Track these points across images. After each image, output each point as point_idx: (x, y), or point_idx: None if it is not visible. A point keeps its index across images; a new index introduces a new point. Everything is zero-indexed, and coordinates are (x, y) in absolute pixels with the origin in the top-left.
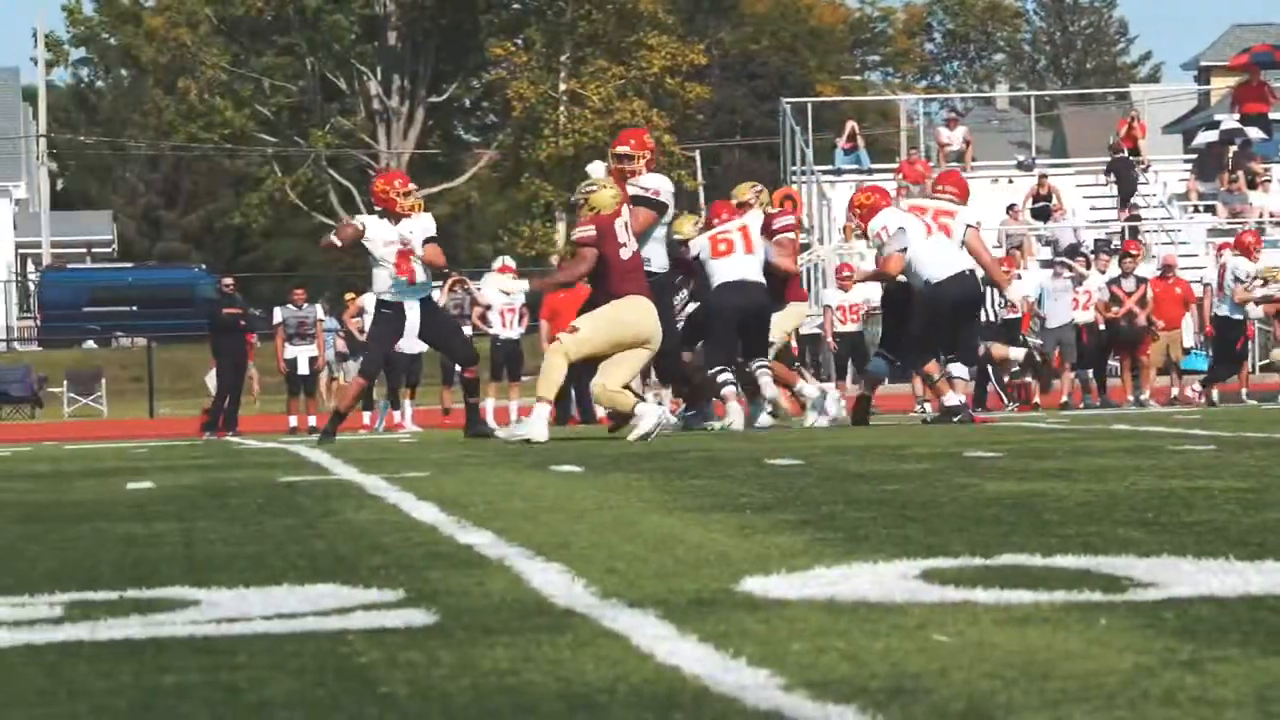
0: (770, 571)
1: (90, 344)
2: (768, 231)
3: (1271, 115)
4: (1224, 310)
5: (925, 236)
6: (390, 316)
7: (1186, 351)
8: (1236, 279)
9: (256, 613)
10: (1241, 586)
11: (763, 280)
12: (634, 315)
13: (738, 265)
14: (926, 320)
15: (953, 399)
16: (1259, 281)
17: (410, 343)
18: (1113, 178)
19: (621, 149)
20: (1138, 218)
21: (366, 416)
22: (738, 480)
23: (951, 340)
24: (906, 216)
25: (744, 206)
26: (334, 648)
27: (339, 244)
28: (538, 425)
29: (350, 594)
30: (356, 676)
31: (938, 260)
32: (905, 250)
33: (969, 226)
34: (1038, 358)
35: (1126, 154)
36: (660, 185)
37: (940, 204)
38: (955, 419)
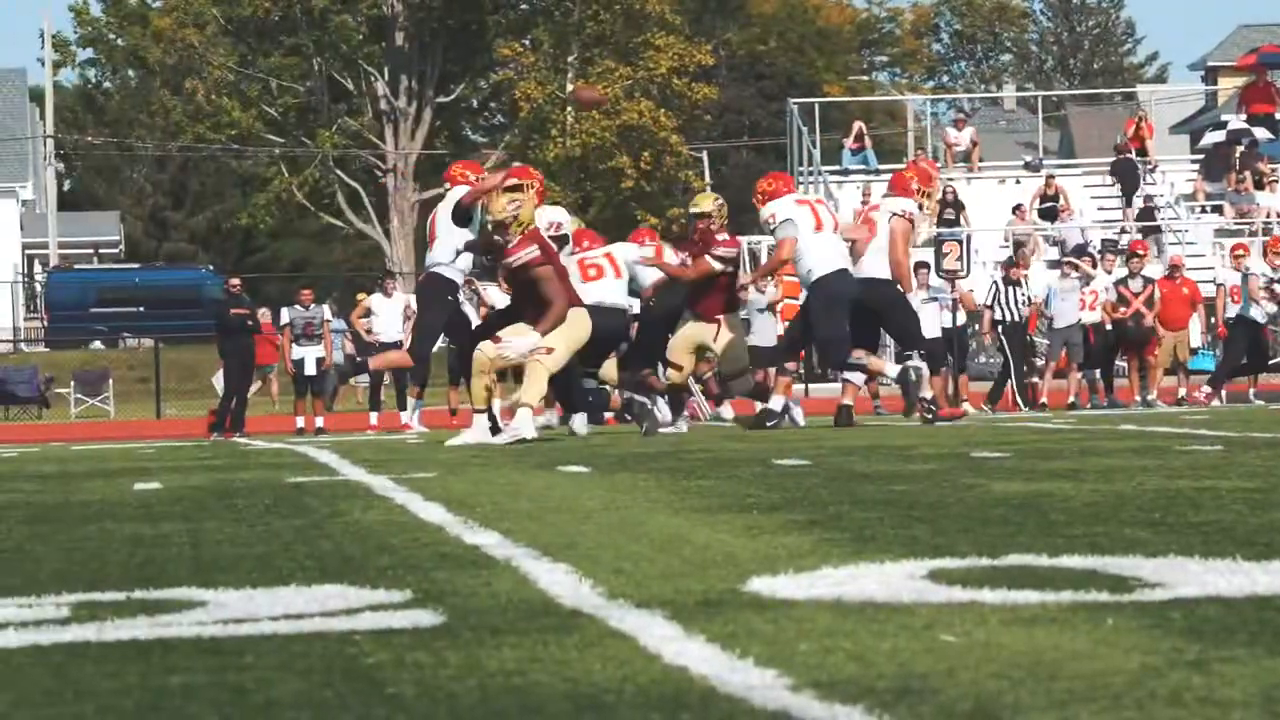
0: (777, 572)
1: (97, 345)
2: (699, 250)
3: (1278, 115)
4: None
5: (813, 231)
6: (454, 303)
7: (1194, 352)
8: (1247, 275)
9: (264, 613)
10: (1248, 587)
11: (623, 305)
12: (583, 329)
13: (603, 290)
14: (827, 317)
15: (892, 370)
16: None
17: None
18: (1117, 179)
19: (511, 181)
20: (1153, 215)
21: (373, 417)
22: (745, 481)
23: (868, 332)
24: (797, 209)
25: (703, 217)
26: (341, 648)
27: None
28: (525, 425)
29: (357, 595)
30: (364, 677)
31: (820, 256)
32: (795, 238)
33: (894, 215)
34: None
35: (1131, 155)
36: (562, 218)
37: (877, 200)
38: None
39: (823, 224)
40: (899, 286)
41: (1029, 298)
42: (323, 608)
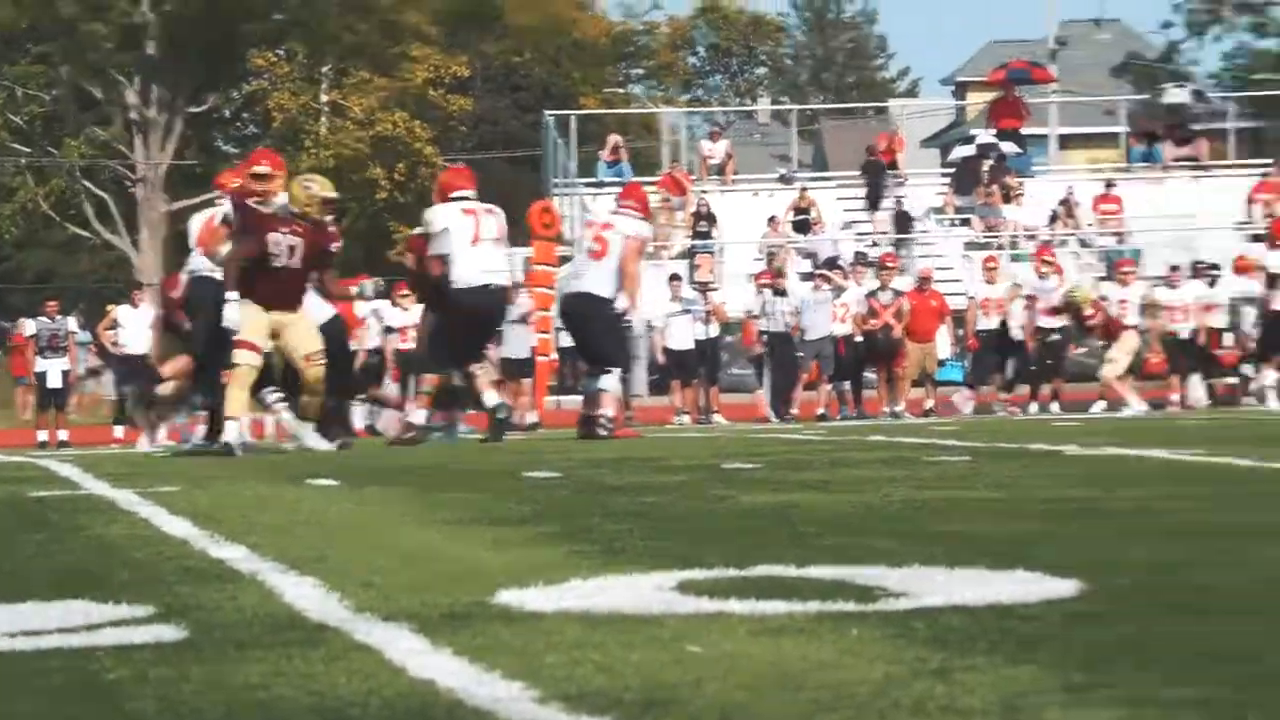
0: (526, 584)
1: None
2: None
3: (1025, 130)
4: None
5: (469, 243)
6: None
7: (941, 363)
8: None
9: (1, 630)
10: (991, 596)
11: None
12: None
13: None
14: (451, 327)
15: (419, 416)
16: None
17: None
18: (865, 180)
19: (260, 169)
20: (907, 227)
21: (118, 430)
22: (495, 493)
23: (472, 351)
24: (460, 219)
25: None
26: (82, 665)
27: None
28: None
29: (99, 610)
30: (104, 694)
31: (467, 269)
32: (445, 253)
33: (627, 238)
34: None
35: (880, 161)
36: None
37: (609, 218)
38: (433, 436)
39: (480, 236)
40: (615, 305)
41: (796, 308)
42: (63, 624)
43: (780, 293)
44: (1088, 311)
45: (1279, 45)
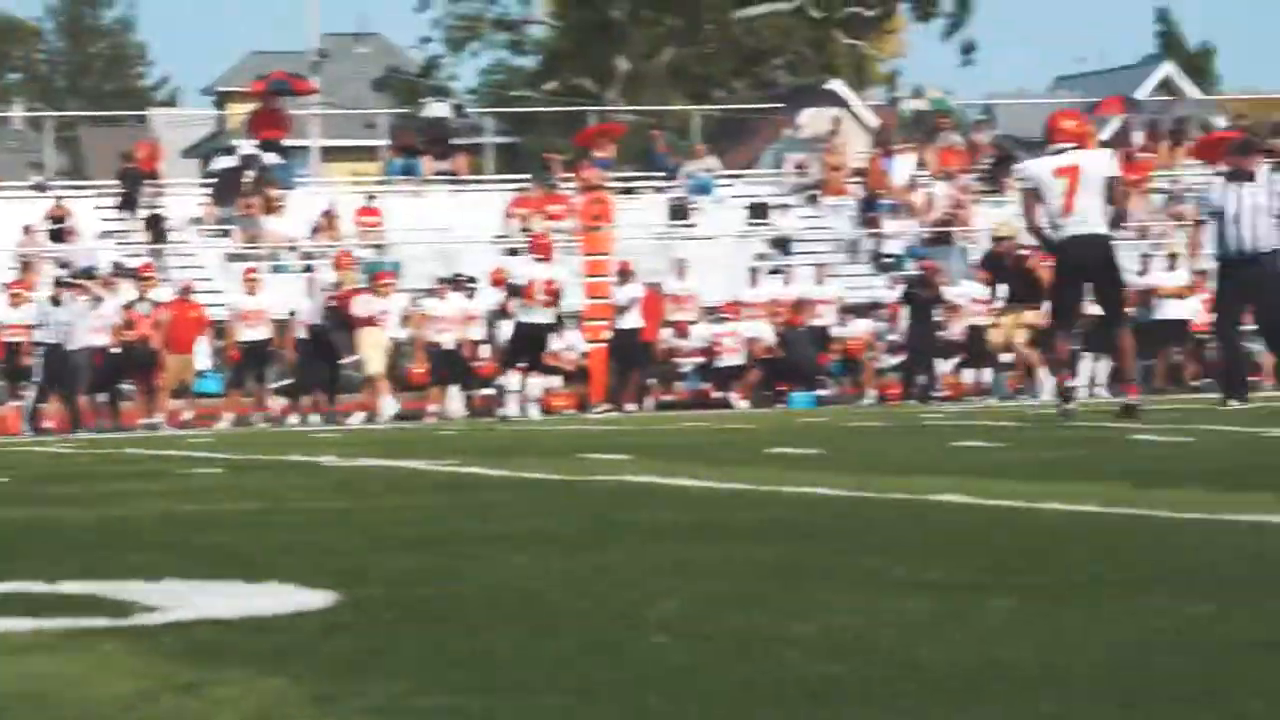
0: None
1: None
2: None
3: (287, 142)
4: None
5: None
6: None
7: (200, 374)
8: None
9: None
10: (246, 608)
11: None
12: None
13: None
14: None
15: None
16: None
17: None
18: (121, 187)
19: None
20: (163, 237)
21: None
22: None
23: None
24: None
25: None
26: None
27: None
28: None
29: None
30: None
31: None
32: None
33: None
34: None
35: (139, 169)
36: None
37: None
38: None
39: None
40: None
41: (71, 319)
42: None
43: (57, 302)
44: (347, 286)
45: (535, 62)
